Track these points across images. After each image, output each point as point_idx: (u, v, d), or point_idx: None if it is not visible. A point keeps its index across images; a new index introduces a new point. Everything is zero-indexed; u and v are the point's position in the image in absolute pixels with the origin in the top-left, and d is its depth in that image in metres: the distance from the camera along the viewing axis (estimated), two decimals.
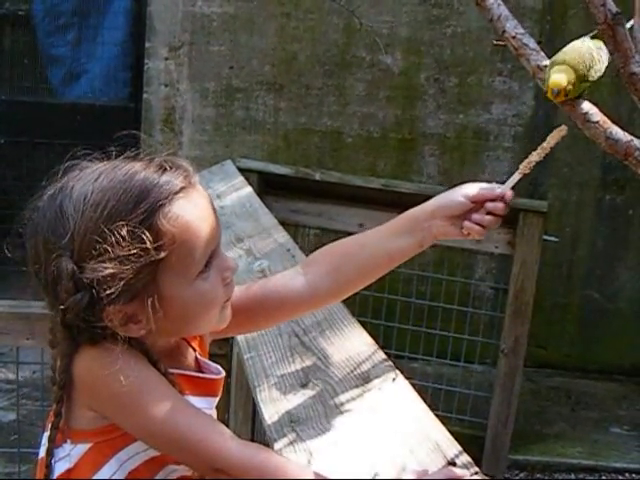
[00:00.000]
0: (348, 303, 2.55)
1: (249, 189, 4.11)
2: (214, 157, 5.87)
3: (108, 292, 1.44)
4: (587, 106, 1.77)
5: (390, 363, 2.04)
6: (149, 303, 1.47)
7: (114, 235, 1.43)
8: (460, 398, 5.14)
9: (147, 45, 6.05)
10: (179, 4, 6.00)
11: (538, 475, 5.13)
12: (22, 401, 4.30)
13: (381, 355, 2.12)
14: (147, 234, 1.44)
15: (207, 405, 1.63)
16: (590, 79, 1.81)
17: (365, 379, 2.04)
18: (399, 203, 4.95)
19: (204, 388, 1.64)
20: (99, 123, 6.13)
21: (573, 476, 5.13)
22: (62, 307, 1.46)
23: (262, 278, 2.84)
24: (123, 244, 1.43)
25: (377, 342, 2.24)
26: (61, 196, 1.50)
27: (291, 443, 1.82)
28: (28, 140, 6.17)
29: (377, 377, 2.01)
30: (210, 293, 1.54)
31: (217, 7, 6.00)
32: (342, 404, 1.95)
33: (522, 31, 1.80)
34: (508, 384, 4.82)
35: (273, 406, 1.99)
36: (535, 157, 1.72)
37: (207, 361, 1.71)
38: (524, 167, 1.73)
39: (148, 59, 6.06)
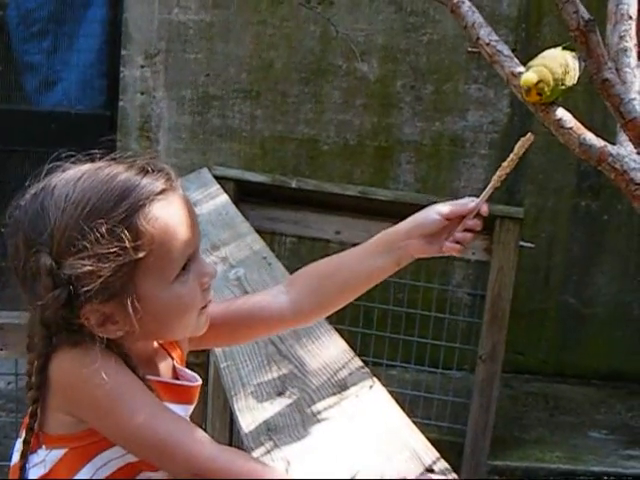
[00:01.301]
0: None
1: (225, 197, 4.10)
2: (190, 165, 5.85)
3: (86, 289, 1.45)
4: (561, 112, 1.78)
5: (367, 370, 2.04)
6: (127, 303, 1.48)
7: (93, 233, 1.45)
8: (438, 404, 5.15)
9: (123, 53, 6.03)
10: (155, 12, 5.98)
11: None
12: None
13: (358, 362, 2.12)
14: (126, 233, 1.46)
15: (183, 412, 1.63)
16: (566, 84, 1.81)
17: (342, 387, 2.04)
18: (376, 210, 5.00)
19: (180, 395, 1.64)
20: (75, 131, 6.10)
21: None
22: (40, 303, 1.47)
23: (239, 287, 2.84)
24: (102, 242, 1.45)
25: (355, 350, 2.24)
26: (43, 194, 1.52)
27: (268, 452, 1.82)
28: (3, 148, 6.14)
29: (354, 385, 2.01)
30: (187, 297, 1.55)
31: (193, 15, 5.99)
32: (319, 412, 1.95)
33: (496, 38, 1.80)
34: (486, 390, 4.83)
35: (250, 415, 1.98)
36: (505, 169, 1.73)
37: (184, 369, 1.71)
38: (496, 180, 1.74)
39: (124, 67, 6.04)
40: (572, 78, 1.84)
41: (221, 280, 2.88)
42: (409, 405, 4.74)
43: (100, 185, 1.50)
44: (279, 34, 6.01)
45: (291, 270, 3.08)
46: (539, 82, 1.79)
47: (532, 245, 5.03)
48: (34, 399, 1.54)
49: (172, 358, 1.70)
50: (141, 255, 1.47)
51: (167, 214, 1.51)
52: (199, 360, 2.87)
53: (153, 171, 1.54)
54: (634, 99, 1.71)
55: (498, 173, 1.72)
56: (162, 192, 1.52)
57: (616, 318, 6.33)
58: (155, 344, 1.67)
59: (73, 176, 1.53)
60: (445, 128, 6.09)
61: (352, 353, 2.19)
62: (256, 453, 1.83)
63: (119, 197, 1.48)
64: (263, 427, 1.92)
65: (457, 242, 1.72)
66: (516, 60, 1.84)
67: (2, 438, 4.07)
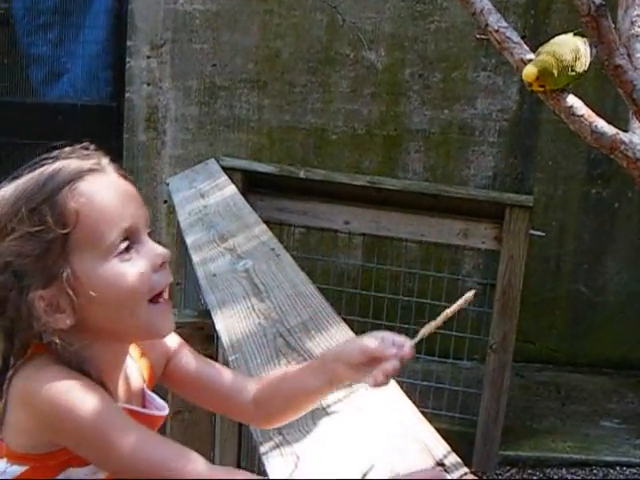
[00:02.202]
0: (335, 301, 2.53)
1: (233, 188, 4.08)
2: (197, 156, 5.83)
3: (23, 273, 1.47)
4: (572, 99, 1.74)
5: None
6: (64, 279, 1.47)
7: (19, 214, 1.48)
8: (449, 395, 5.12)
9: (129, 43, 6.01)
10: (161, 2, 5.96)
11: (529, 471, 5.11)
12: None
13: None
14: (48, 210, 1.47)
15: None
16: (576, 70, 1.78)
17: None
18: (385, 200, 4.97)
19: (146, 423, 1.58)
20: (81, 123, 6.09)
21: (564, 471, 5.11)
22: None
23: (247, 278, 2.81)
24: (26, 221, 1.47)
25: None
26: None
27: (277, 446, 1.79)
28: (9, 140, 6.12)
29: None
30: (132, 275, 1.50)
31: (199, 4, 5.96)
32: (329, 406, 1.92)
33: (505, 25, 1.77)
34: (497, 380, 4.80)
35: None
36: (441, 319, 1.68)
37: (153, 395, 1.69)
38: (427, 329, 1.67)
39: (130, 58, 6.02)
40: (583, 64, 1.81)
41: (229, 272, 2.86)
42: (420, 396, 4.71)
43: (29, 177, 1.54)
44: (286, 23, 5.98)
45: (299, 261, 3.06)
46: (539, 77, 1.76)
47: (542, 234, 4.99)
48: None
49: (144, 380, 1.68)
50: (67, 230, 1.47)
51: (92, 190, 1.50)
52: (208, 351, 2.84)
53: (81, 157, 1.56)
54: None
55: (432, 323, 1.66)
56: (88, 171, 1.52)
57: (627, 306, 6.30)
58: (126, 362, 1.64)
59: (11, 180, 1.57)
60: (454, 116, 6.05)
61: None
62: (265, 447, 1.80)
63: (44, 181, 1.51)
64: None
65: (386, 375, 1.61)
66: (525, 47, 1.81)
67: None
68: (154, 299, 1.54)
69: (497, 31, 1.77)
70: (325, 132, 6.08)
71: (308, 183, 4.90)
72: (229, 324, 2.44)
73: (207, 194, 4.04)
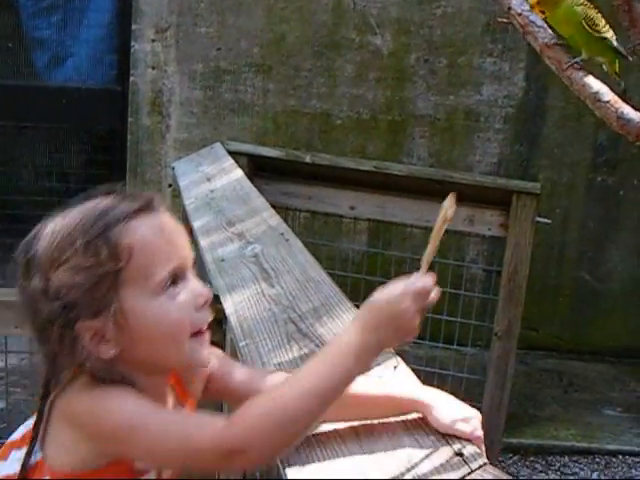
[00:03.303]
0: (340, 287, 2.50)
1: (240, 172, 4.05)
2: (202, 140, 5.81)
3: (73, 303, 1.52)
4: (597, 85, 1.71)
5: (391, 350, 1.99)
6: (112, 312, 1.52)
7: (73, 247, 1.53)
8: (453, 381, 5.10)
9: (133, 27, 5.97)
10: None
11: (532, 458, 5.11)
12: (10, 389, 4.25)
13: None
14: (103, 245, 1.53)
15: None
16: (584, 20, 1.76)
17: None
18: (390, 186, 4.94)
19: None
20: (85, 106, 6.07)
21: (567, 459, 5.11)
22: (44, 323, 1.54)
23: (255, 263, 2.79)
24: (80, 254, 1.53)
25: None
26: (34, 235, 1.61)
27: (296, 448, 1.77)
28: (14, 124, 6.10)
29: (377, 365, 1.95)
30: (176, 312, 1.57)
31: None
32: None
33: (528, 8, 1.74)
34: (502, 367, 4.78)
35: None
36: (433, 241, 1.63)
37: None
38: (427, 257, 1.64)
39: (135, 41, 5.98)
40: (594, 26, 1.78)
41: (237, 257, 2.84)
42: (423, 382, 4.69)
43: (81, 213, 1.59)
44: (291, 7, 5.94)
45: (306, 245, 3.03)
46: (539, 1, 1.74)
47: (549, 221, 4.97)
48: (35, 435, 1.61)
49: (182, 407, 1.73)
50: (120, 265, 1.53)
51: (145, 229, 1.57)
52: (215, 338, 2.82)
53: (133, 196, 1.62)
54: None
55: (431, 244, 1.63)
56: (141, 210, 1.58)
57: (631, 294, 6.29)
58: (167, 391, 1.70)
59: (60, 215, 1.62)
60: (459, 102, 6.03)
61: None
62: None
63: (97, 217, 1.56)
64: None
65: None
66: (549, 31, 1.78)
67: (18, 414, 4.04)
68: (196, 334, 1.61)
69: (520, 15, 1.74)
70: (330, 117, 6.06)
71: (314, 168, 4.88)
72: (239, 309, 2.42)
73: (214, 178, 4.02)
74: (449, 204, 1.59)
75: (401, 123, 6.06)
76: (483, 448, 1.69)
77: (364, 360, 1.55)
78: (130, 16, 5.98)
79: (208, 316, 1.64)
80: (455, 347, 5.19)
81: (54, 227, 1.58)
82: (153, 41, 5.98)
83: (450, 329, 5.12)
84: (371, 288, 4.97)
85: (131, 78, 6.02)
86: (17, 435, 1.69)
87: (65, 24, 6.21)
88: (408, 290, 1.56)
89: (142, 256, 1.54)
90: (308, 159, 4.89)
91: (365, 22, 5.85)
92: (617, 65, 1.88)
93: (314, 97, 6.03)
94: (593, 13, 1.76)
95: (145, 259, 1.55)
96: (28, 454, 1.60)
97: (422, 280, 1.58)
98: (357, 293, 4.94)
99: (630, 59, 1.83)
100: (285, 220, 4.17)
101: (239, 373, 1.83)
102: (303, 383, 1.52)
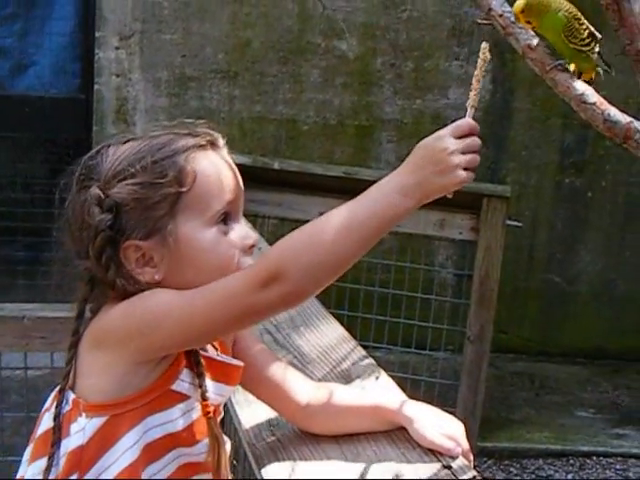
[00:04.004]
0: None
1: None
2: None
3: (129, 219, 1.55)
4: (582, 87, 1.68)
5: (372, 361, 1.96)
6: (166, 235, 1.55)
7: (140, 164, 1.57)
8: (426, 387, 5.08)
9: (97, 35, 5.91)
10: None
11: (506, 462, 5.10)
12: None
13: (361, 352, 2.05)
14: (170, 167, 1.57)
15: (220, 392, 1.64)
16: (571, 22, 1.73)
17: (346, 378, 1.96)
18: (359, 191, 4.91)
19: (221, 373, 1.65)
20: (49, 115, 6.00)
21: (541, 461, 5.10)
22: (87, 234, 1.55)
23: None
24: (148, 171, 1.56)
25: None
26: (99, 149, 1.65)
27: (271, 449, 1.74)
28: None
29: (359, 376, 1.93)
30: (225, 247, 1.59)
31: None
32: None
33: (509, 9, 1.71)
34: (475, 371, 4.77)
35: (249, 409, 1.90)
36: (476, 86, 1.65)
37: (227, 356, 1.71)
38: (472, 100, 1.66)
39: (98, 49, 5.92)
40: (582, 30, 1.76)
41: None
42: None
43: (150, 137, 1.63)
44: (256, 12, 5.91)
45: None
46: (524, 10, 1.72)
47: (520, 224, 4.97)
48: (70, 359, 1.60)
49: (215, 347, 1.70)
50: (183, 190, 1.56)
51: (209, 161, 1.61)
52: None
53: (201, 132, 1.66)
54: None
55: (472, 93, 1.65)
56: (208, 144, 1.63)
57: (600, 295, 6.30)
58: None
59: (126, 138, 1.66)
60: (426, 106, 6.01)
61: (354, 342, 2.12)
62: (258, 450, 1.75)
63: (167, 142, 1.60)
64: (264, 422, 1.84)
65: None
66: (531, 32, 1.75)
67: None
68: None
69: (501, 16, 1.72)
70: (296, 123, 6.03)
71: (282, 174, 4.84)
72: None
73: None
74: (484, 45, 1.67)
75: (368, 128, 6.04)
76: (472, 458, 1.66)
77: (404, 198, 1.52)
78: (93, 24, 5.91)
79: (251, 261, 1.64)
80: (427, 352, 5.17)
81: (121, 146, 1.62)
82: (117, 49, 5.92)
83: (422, 334, 5.10)
84: (341, 295, 4.95)
85: (95, 86, 5.96)
86: (48, 401, 1.66)
87: (27, 32, 6.13)
88: (450, 129, 1.56)
89: (204, 185, 1.58)
90: (277, 165, 4.86)
91: (331, 27, 5.83)
92: (594, 74, 1.85)
93: (280, 103, 6.00)
94: (575, 24, 1.73)
95: (206, 189, 1.58)
96: (59, 403, 1.58)
97: (465, 119, 1.58)
98: (328, 300, 4.92)
99: (611, 72, 1.81)
100: (254, 227, 4.14)
101: (260, 348, 1.83)
102: (342, 215, 1.52)
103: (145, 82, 5.95)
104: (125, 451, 1.55)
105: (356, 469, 1.59)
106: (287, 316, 2.31)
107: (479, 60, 1.67)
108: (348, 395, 1.80)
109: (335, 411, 1.74)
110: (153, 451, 1.57)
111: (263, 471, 1.69)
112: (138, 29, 5.90)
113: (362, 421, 1.74)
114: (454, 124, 1.56)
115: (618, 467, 5.08)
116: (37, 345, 3.03)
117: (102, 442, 1.55)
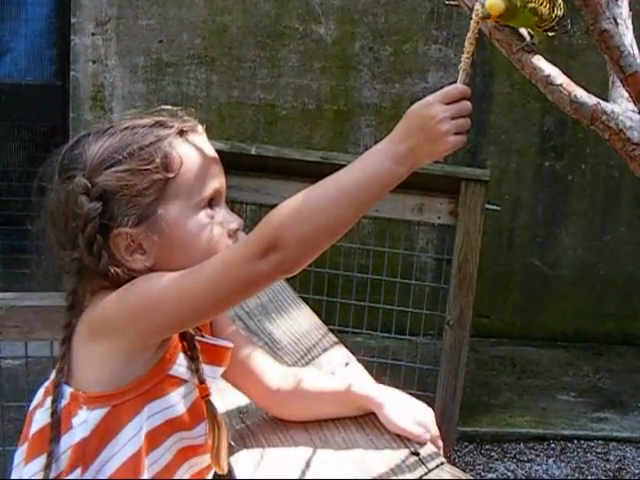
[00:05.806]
0: (289, 281, 2.45)
1: None
2: None
3: (117, 207, 1.54)
4: (549, 68, 1.66)
5: (343, 347, 1.95)
6: (155, 221, 1.56)
7: (125, 151, 1.57)
8: (406, 372, 5.07)
9: (73, 20, 5.86)
10: None
11: (487, 446, 5.09)
12: None
13: (332, 338, 2.03)
14: (156, 152, 1.58)
15: (213, 373, 1.66)
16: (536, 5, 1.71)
17: (316, 365, 1.94)
18: None
19: (213, 355, 1.67)
20: (25, 103, 5.95)
21: (522, 446, 5.10)
22: (74, 225, 1.55)
23: None
24: (134, 157, 1.57)
25: (320, 318, 2.16)
26: (76, 140, 1.64)
27: (241, 437, 1.72)
28: None
29: (329, 362, 1.91)
30: (212, 231, 1.61)
31: None
32: None
33: None
34: (454, 356, 4.76)
35: (219, 396, 1.87)
36: (469, 49, 1.63)
37: (214, 338, 1.73)
38: (464, 64, 1.64)
39: (74, 35, 5.87)
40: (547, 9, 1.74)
41: None
42: (376, 373, 4.64)
43: (134, 123, 1.63)
44: None
45: None
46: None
47: (498, 208, 4.94)
48: (63, 353, 1.60)
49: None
50: (170, 175, 1.58)
51: (193, 147, 1.63)
52: None
53: (182, 117, 1.69)
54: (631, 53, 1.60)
55: (464, 56, 1.63)
56: (188, 132, 1.65)
57: (581, 279, 6.30)
58: None
59: (108, 127, 1.65)
60: (405, 90, 5.98)
61: (325, 328, 2.10)
62: (228, 438, 1.73)
63: (152, 127, 1.62)
64: (234, 410, 1.82)
65: None
66: None
67: None
68: None
69: None
70: (275, 108, 5.99)
71: (260, 160, 4.81)
72: None
73: None
74: (477, 7, 1.63)
75: (347, 112, 6.01)
76: (441, 444, 1.65)
77: (396, 165, 1.53)
78: (69, 9, 5.86)
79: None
80: (407, 337, 5.15)
81: (102, 134, 1.62)
82: (93, 35, 5.87)
83: (402, 319, 5.09)
84: (320, 281, 4.92)
85: (72, 73, 5.91)
86: (37, 398, 1.66)
87: (2, 19, 6.08)
88: (439, 96, 1.57)
89: (191, 171, 1.60)
90: (254, 151, 4.83)
91: (308, 11, 5.79)
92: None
93: (258, 88, 5.96)
94: (542, 9, 1.71)
95: (193, 174, 1.60)
96: (55, 399, 1.57)
97: (454, 85, 1.58)
98: (306, 285, 4.90)
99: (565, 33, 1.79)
100: None
101: (234, 330, 1.84)
102: (337, 182, 1.52)
103: (122, 68, 5.91)
104: (128, 441, 1.56)
105: (324, 458, 1.57)
106: (259, 302, 2.29)
107: (472, 22, 1.65)
108: (319, 381, 1.80)
109: (306, 397, 1.75)
110: (155, 438, 1.58)
111: (232, 458, 1.67)
112: (114, 15, 5.85)
113: (332, 407, 1.75)
114: (442, 90, 1.57)
115: (599, 450, 5.08)
116: (11, 334, 3.01)
117: (105, 433, 1.56)
